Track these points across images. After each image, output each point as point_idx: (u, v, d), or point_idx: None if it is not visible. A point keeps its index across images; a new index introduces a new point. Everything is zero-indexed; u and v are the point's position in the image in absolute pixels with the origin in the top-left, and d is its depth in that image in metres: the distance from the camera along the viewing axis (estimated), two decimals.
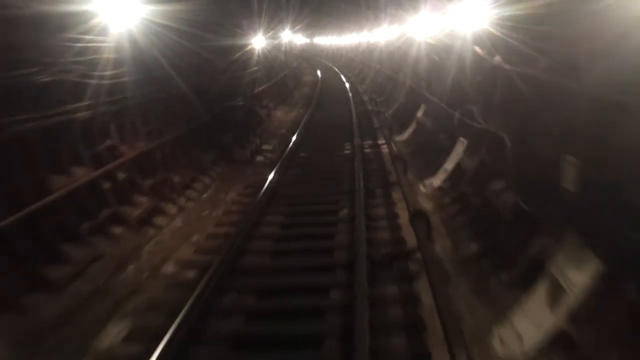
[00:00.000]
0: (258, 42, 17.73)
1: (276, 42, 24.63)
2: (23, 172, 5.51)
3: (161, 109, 9.06)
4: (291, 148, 11.53)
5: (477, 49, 7.32)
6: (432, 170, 8.72)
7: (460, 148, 8.14)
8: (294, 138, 12.50)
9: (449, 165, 8.23)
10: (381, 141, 12.18)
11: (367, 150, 11.55)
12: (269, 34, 20.04)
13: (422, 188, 8.35)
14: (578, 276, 3.86)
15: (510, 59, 6.33)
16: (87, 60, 6.47)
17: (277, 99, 20.55)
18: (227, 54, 13.63)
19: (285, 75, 25.37)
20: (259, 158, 11.49)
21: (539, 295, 4.19)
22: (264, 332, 4.54)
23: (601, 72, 4.01)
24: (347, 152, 11.54)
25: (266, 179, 8.70)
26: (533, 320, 4.04)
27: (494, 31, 6.64)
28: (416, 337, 4.31)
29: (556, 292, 4.02)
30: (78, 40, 6.17)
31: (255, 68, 17.78)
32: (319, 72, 35.52)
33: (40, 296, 4.87)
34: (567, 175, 4.28)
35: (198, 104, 10.68)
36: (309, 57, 52.74)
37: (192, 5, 9.10)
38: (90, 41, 6.38)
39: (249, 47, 16.85)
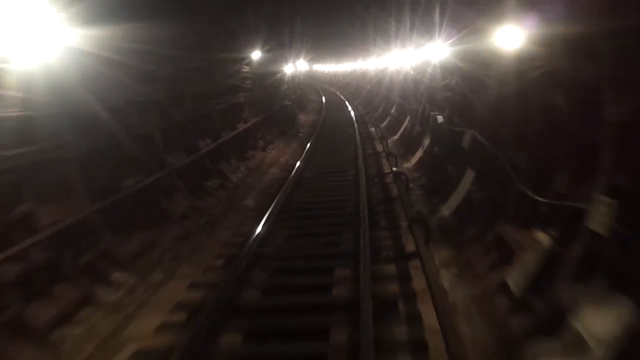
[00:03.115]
0: (288, 68, 26.59)
1: (294, 69, 33.53)
2: (224, 122, 14.06)
3: (256, 102, 17.73)
4: (317, 130, 20.17)
5: (412, 71, 16.06)
6: (394, 134, 17.41)
7: (406, 120, 16.83)
8: (317, 127, 21.17)
9: (401, 129, 16.92)
10: (370, 127, 20.88)
11: (362, 131, 20.20)
12: (294, 62, 28.93)
13: (389, 141, 16.97)
14: (426, 141, 12.50)
15: (424, 75, 15.00)
16: (241, 77, 15.18)
17: (298, 108, 29.31)
18: (271, 76, 22.43)
19: (301, 93, 34.25)
20: (300, 135, 20.13)
21: (419, 152, 12.82)
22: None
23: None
24: (350, 132, 20.17)
25: (309, 141, 17.27)
26: (414, 158, 12.67)
27: (419, 64, 15.32)
28: (379, 164, 12.91)
29: (422, 149, 12.65)
30: (240, 68, 14.89)
31: (286, 86, 26.65)
32: (321, 93, 44.51)
33: (247, 160, 13.45)
34: (430, 112, 12.96)
35: (266, 102, 19.47)
36: (311, 83, 61.58)
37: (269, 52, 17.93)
38: (244, 68, 15.10)
39: (282, 72, 25.66)
